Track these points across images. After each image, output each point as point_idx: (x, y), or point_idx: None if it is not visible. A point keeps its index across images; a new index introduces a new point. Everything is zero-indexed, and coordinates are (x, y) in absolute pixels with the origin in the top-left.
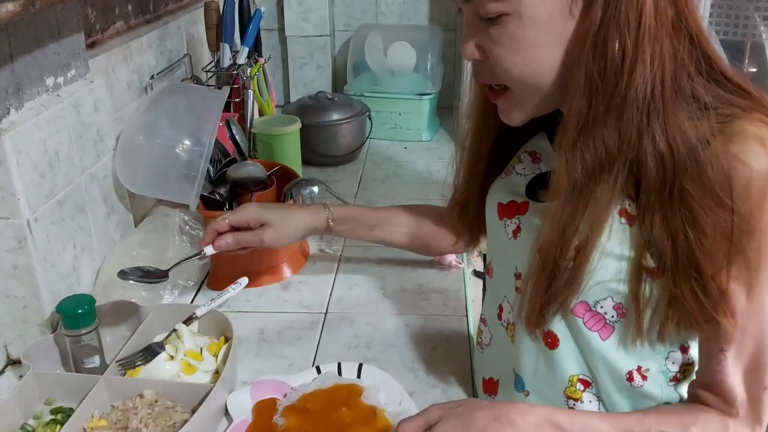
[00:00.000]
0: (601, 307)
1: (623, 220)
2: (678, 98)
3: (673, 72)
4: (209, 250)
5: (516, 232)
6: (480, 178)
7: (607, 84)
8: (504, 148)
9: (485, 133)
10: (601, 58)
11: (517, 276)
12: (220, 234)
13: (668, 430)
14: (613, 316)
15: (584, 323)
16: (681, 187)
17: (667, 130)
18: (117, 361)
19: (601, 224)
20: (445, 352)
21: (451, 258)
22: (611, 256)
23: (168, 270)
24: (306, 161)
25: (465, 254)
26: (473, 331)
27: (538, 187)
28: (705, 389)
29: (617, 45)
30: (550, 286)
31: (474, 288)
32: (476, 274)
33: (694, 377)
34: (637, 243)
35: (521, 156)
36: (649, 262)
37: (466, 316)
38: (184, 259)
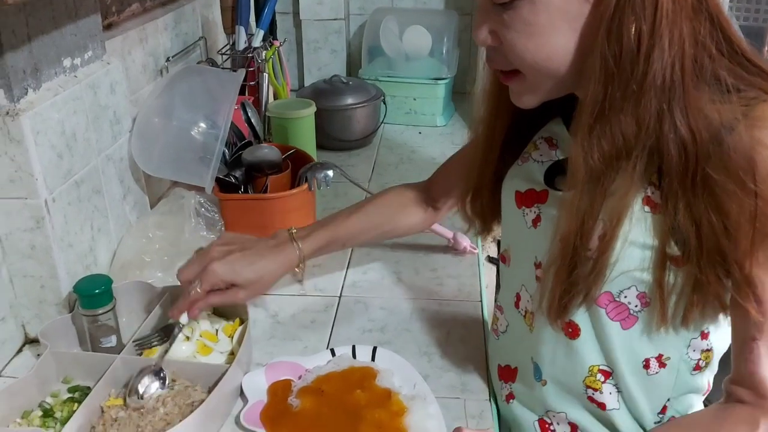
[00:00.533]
0: (625, 297)
1: (647, 208)
2: (699, 81)
3: (693, 55)
4: (184, 319)
5: (536, 221)
6: (494, 165)
7: (623, 70)
8: (519, 133)
9: (499, 119)
10: (616, 44)
11: (537, 265)
12: (194, 301)
13: None
14: (636, 306)
15: (607, 313)
16: (704, 173)
17: (689, 115)
18: (134, 341)
19: (622, 213)
20: (460, 337)
21: (465, 243)
22: (635, 245)
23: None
24: (320, 146)
25: (479, 240)
26: (488, 316)
27: (556, 174)
28: (738, 384)
29: (633, 30)
30: (571, 275)
31: (487, 274)
32: (490, 260)
33: (715, 365)
34: (662, 231)
35: (537, 142)
36: (674, 250)
37: (481, 301)
38: (168, 344)
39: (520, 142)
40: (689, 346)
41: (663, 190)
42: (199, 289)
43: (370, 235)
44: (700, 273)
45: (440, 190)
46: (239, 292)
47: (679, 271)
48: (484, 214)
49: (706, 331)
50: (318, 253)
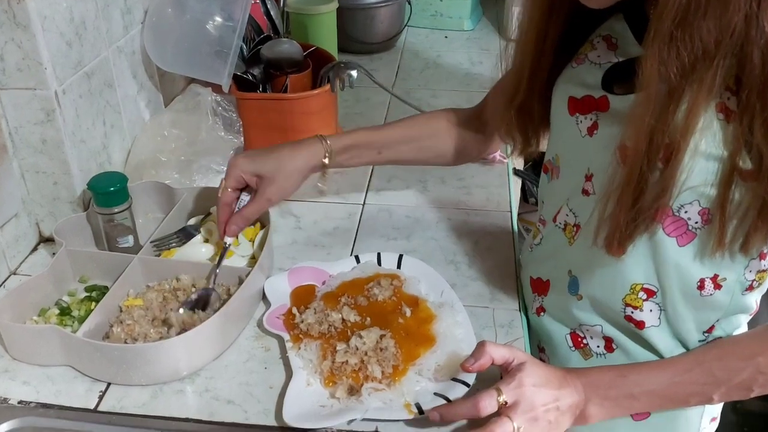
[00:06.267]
0: (686, 212)
1: (721, 116)
2: None
3: None
4: (229, 240)
5: (592, 129)
6: (546, 72)
7: None
8: (572, 35)
9: (552, 20)
10: None
11: (588, 177)
12: (229, 207)
13: (730, 364)
14: (696, 222)
15: (663, 228)
16: None
17: None
18: (151, 242)
19: (694, 125)
20: (488, 247)
21: (495, 152)
22: (703, 156)
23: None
24: (340, 48)
25: (508, 149)
26: (516, 227)
27: (615, 78)
28: None
29: None
30: (637, 201)
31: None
32: (516, 173)
33: (766, 286)
34: (734, 141)
35: (594, 41)
36: (747, 163)
37: (510, 211)
38: (217, 265)
39: (575, 43)
40: (747, 267)
41: (741, 101)
42: (228, 188)
43: (408, 147)
44: None
45: (492, 114)
46: (267, 189)
47: (746, 188)
48: (528, 129)
49: (765, 251)
50: (348, 151)
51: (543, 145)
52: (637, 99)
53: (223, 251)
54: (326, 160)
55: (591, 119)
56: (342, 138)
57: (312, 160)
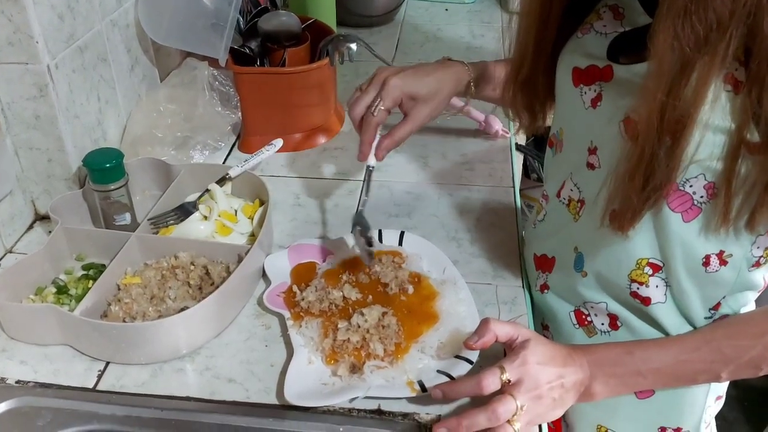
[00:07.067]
0: (691, 186)
1: (729, 87)
2: None
3: None
4: (372, 161)
5: (596, 101)
6: (550, 46)
7: None
8: (577, 6)
9: None
10: None
11: (591, 151)
12: (377, 128)
13: (740, 342)
14: (702, 197)
15: (668, 203)
16: None
17: None
18: (149, 220)
19: (704, 97)
20: (491, 223)
21: (497, 127)
22: (710, 129)
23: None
24: (339, 22)
25: (511, 124)
26: (520, 202)
27: (621, 48)
28: None
29: None
30: (649, 180)
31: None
32: (518, 148)
33: None
34: (742, 113)
35: (601, 11)
36: (754, 135)
37: (513, 187)
38: (366, 191)
39: (580, 14)
40: (754, 243)
41: (750, 72)
42: (382, 107)
43: None
44: None
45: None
46: (420, 110)
47: (752, 162)
48: (534, 104)
49: None
50: (479, 82)
51: (549, 121)
52: (648, 74)
53: (369, 175)
54: (473, 86)
55: (595, 90)
56: (477, 66)
57: (459, 85)
